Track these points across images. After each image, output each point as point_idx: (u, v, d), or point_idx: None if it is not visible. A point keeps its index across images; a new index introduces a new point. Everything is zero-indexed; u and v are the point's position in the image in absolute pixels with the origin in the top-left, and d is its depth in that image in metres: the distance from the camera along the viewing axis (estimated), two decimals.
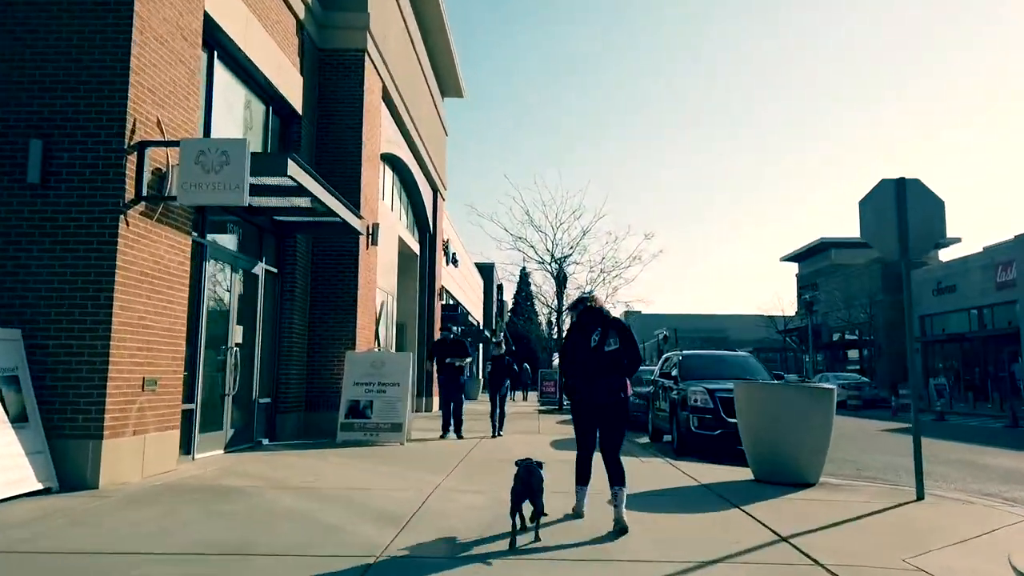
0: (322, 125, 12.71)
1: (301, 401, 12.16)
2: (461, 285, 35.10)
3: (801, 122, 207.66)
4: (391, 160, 17.35)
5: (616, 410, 5.68)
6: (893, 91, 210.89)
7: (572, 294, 24.87)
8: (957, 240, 56.11)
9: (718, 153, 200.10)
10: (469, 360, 13.48)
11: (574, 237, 23.18)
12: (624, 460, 5.75)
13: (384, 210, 16.40)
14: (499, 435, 13.31)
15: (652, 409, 14.66)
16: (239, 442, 10.18)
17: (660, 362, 15.25)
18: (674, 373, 13.08)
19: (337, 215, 10.26)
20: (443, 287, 25.17)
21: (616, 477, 5.51)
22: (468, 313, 32.92)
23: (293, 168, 8.28)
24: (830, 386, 7.88)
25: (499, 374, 13.84)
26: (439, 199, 22.67)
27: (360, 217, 11.52)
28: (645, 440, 15.15)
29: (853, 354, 51.01)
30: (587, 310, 5.87)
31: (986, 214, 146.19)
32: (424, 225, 21.81)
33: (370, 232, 13.29)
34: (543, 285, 28.89)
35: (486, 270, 52.22)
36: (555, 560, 4.63)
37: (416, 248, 21.25)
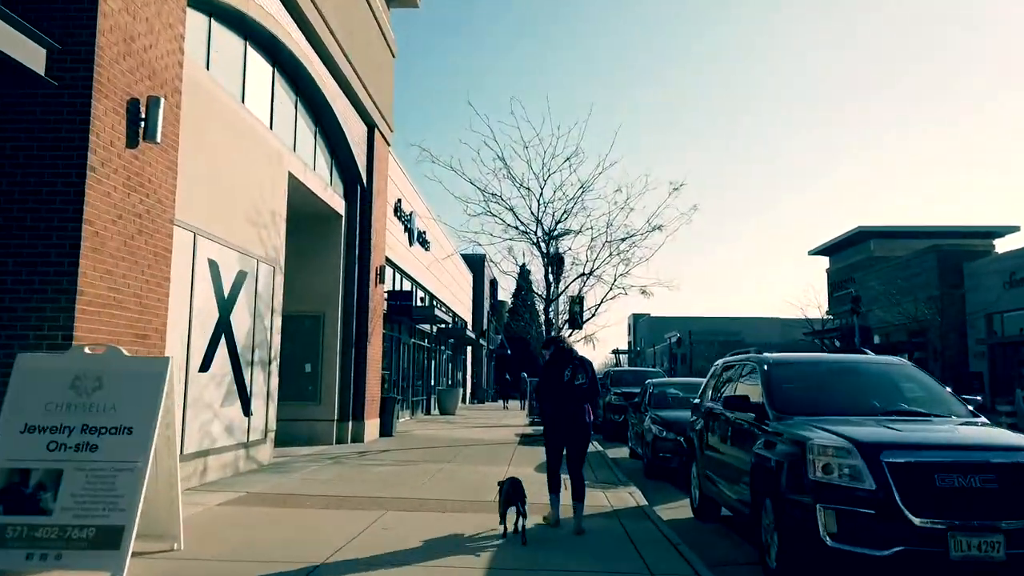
0: None
1: None
2: (439, 275, 28.40)
3: (817, 107, 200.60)
4: (267, 44, 10.74)
5: (582, 433, 6.90)
6: (936, 64, 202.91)
7: (567, 277, 18.18)
8: (1015, 228, 49.32)
9: (732, 133, 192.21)
10: None
11: (570, 196, 16.42)
12: None
13: (238, 113, 9.76)
14: None
15: (700, 460, 7.94)
16: None
17: (711, 376, 8.51)
18: (757, 399, 6.33)
19: None
20: (387, 262, 18.49)
21: (577, 494, 6.76)
22: (440, 306, 26.22)
23: None
24: None
25: None
26: (377, 139, 16.03)
27: (54, 47, 4.89)
28: (682, 511, 8.44)
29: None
30: (559, 350, 7.08)
31: None
32: (352, 174, 15.16)
33: (143, 115, 6.64)
34: (531, 261, 22.01)
35: (476, 263, 45.56)
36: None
37: (338, 205, 14.60)
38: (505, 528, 6.22)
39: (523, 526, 6.11)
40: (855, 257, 51.68)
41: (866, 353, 7.19)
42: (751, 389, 6.75)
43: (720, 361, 8.40)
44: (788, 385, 6.29)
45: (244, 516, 6.92)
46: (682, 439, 10.80)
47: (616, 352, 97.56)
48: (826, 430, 5.17)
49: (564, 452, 6.95)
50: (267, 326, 10.91)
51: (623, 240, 16.18)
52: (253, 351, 10.36)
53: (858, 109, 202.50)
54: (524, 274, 65.42)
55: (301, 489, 8.64)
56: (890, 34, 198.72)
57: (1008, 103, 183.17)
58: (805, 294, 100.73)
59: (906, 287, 38.89)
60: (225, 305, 9.48)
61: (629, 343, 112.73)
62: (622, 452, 15.18)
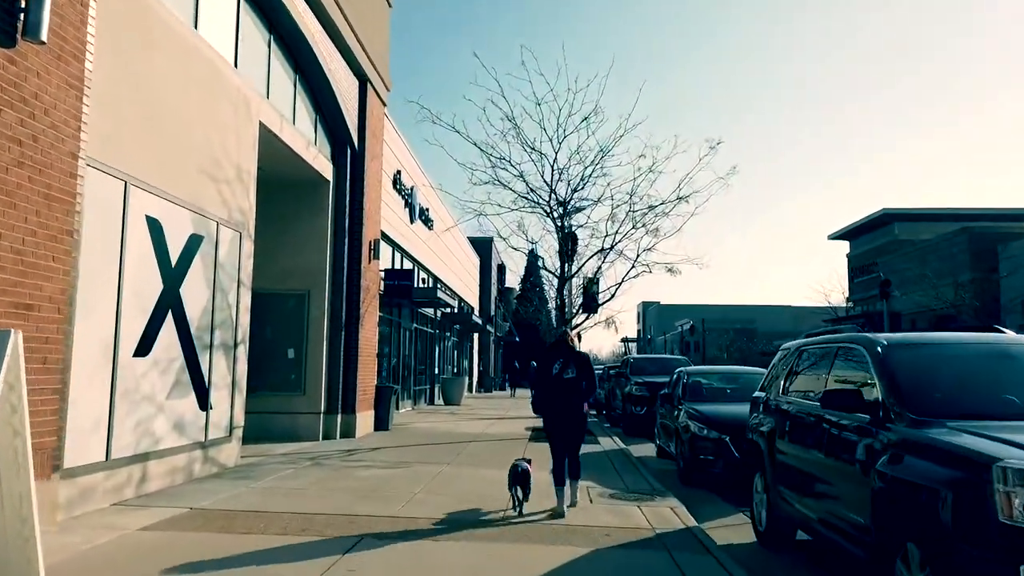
0: None
1: None
2: (445, 257, 26.66)
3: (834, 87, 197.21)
4: None
5: (573, 424, 7.04)
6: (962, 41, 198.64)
7: (583, 255, 16.34)
8: None
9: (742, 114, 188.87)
10: None
11: (589, 160, 14.50)
12: None
13: (188, 39, 7.93)
14: None
15: (771, 471, 6.15)
16: None
17: (779, 363, 6.69)
18: (872, 396, 4.49)
19: None
20: (386, 241, 16.71)
21: (573, 473, 7.06)
22: (442, 287, 24.43)
23: None
24: None
25: None
26: (371, 96, 14.20)
27: None
28: (740, 531, 6.68)
29: None
30: (556, 343, 7.28)
31: None
32: (341, 134, 13.35)
33: (21, 3, 4.84)
34: (543, 234, 20.13)
35: (483, 247, 43.75)
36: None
37: (325, 168, 12.80)
38: (513, 503, 6.75)
39: (521, 501, 6.71)
40: (879, 241, 49.58)
41: (1001, 331, 5.32)
42: (851, 380, 4.95)
43: (794, 343, 6.58)
44: (918, 376, 4.46)
45: (165, 549, 5.16)
46: (727, 439, 9.08)
47: (625, 340, 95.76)
48: (1018, 445, 3.35)
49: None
50: (232, 303, 9.14)
51: (650, 209, 14.29)
52: (213, 332, 8.60)
53: (858, 108, 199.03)
54: (533, 258, 63.46)
55: (260, 503, 6.88)
56: (889, 33, 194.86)
57: (1008, 103, 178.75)
58: (829, 280, 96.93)
59: (944, 269, 36.79)
60: (172, 274, 7.72)
61: (638, 331, 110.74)
62: (646, 449, 13.42)
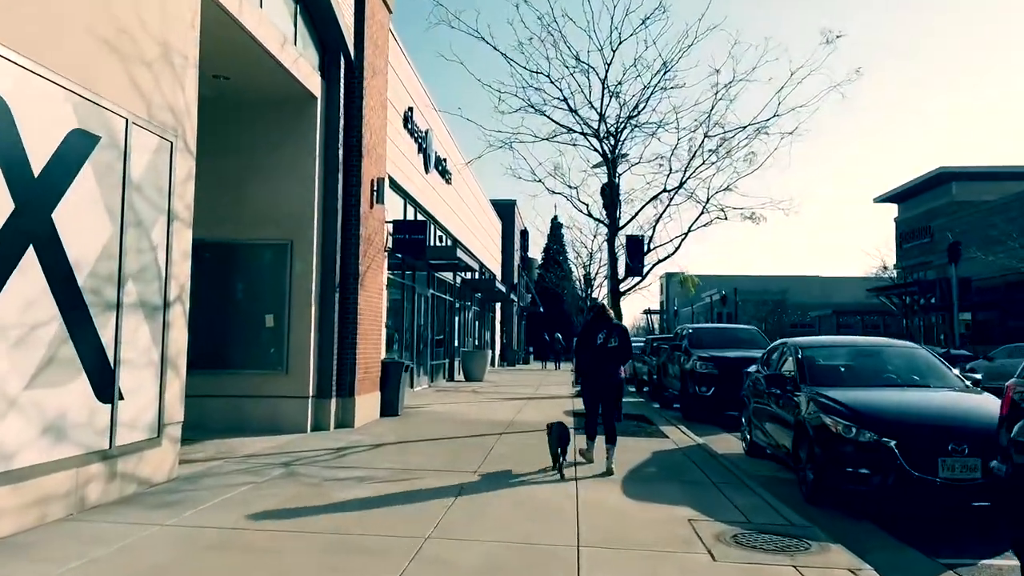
0: None
1: None
2: (463, 215, 23.68)
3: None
4: None
5: (614, 389, 7.89)
6: None
7: (635, 198, 13.26)
8: None
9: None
10: None
11: (649, 76, 11.36)
12: None
13: None
14: None
15: None
16: None
17: None
18: None
19: None
20: (399, 192, 13.75)
21: (610, 438, 7.63)
22: (460, 245, 21.38)
23: None
24: None
25: None
26: None
27: None
28: None
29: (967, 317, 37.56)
30: (597, 315, 8.04)
31: None
32: (332, 37, 10.31)
33: None
34: (584, 178, 17.05)
35: (506, 210, 40.72)
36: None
37: (308, 78, 9.80)
38: (555, 465, 7.23)
39: (562, 463, 7.21)
40: (933, 202, 45.64)
41: None
42: None
43: None
44: None
45: None
46: (892, 444, 6.07)
47: (648, 312, 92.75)
48: None
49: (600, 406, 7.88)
50: (158, 243, 6.22)
51: (723, 141, 11.14)
52: (121, 285, 5.71)
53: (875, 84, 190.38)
54: (556, 226, 60.17)
55: (152, 572, 4.02)
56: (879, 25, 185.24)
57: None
58: (885, 245, 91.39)
59: (996, 235, 33.04)
60: (34, 190, 4.81)
61: (661, 303, 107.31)
62: (724, 442, 10.52)
